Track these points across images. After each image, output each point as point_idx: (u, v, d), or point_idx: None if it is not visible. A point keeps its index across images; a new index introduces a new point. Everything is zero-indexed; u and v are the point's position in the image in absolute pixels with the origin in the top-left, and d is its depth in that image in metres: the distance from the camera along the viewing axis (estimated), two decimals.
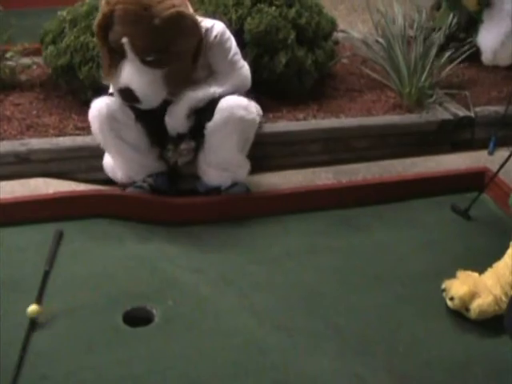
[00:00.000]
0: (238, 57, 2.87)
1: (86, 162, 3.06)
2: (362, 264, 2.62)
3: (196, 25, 2.68)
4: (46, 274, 2.45)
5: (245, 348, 2.18)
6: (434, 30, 3.68)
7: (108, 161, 2.95)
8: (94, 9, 3.23)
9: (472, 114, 3.54)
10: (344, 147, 3.36)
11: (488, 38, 4.01)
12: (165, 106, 2.77)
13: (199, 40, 2.71)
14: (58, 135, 3.15)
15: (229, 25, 3.05)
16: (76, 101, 3.42)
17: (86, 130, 3.10)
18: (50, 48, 3.41)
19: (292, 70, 3.48)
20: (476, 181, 3.09)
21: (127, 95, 2.67)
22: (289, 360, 2.15)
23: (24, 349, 2.12)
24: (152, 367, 2.10)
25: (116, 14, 2.58)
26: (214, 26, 2.78)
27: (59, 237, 2.65)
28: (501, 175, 2.97)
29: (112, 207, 2.80)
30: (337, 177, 3.15)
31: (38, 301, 2.30)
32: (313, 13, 3.60)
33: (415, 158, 3.36)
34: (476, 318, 2.29)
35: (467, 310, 2.30)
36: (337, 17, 3.97)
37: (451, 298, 2.32)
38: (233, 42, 2.85)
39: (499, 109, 3.54)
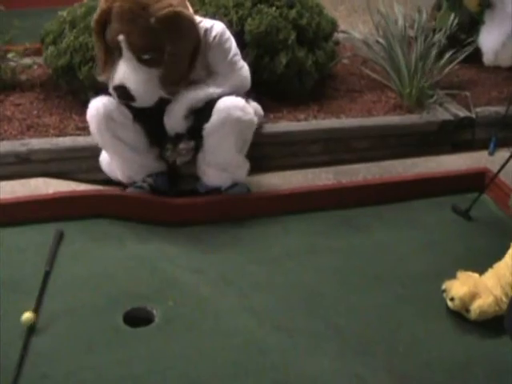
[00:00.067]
0: (238, 57, 2.86)
1: (86, 162, 3.06)
2: (362, 264, 2.62)
3: (193, 25, 2.67)
4: (47, 275, 2.45)
5: (245, 348, 2.18)
6: (434, 30, 3.69)
7: (104, 157, 2.95)
8: (93, 9, 3.23)
9: (472, 115, 3.53)
10: (344, 148, 3.36)
11: (489, 39, 4.01)
12: (163, 105, 2.77)
13: (197, 40, 2.70)
14: (59, 135, 3.15)
15: (229, 26, 3.04)
16: (76, 101, 3.42)
17: (86, 130, 3.09)
18: (51, 48, 3.42)
19: (292, 70, 3.47)
20: (476, 181, 3.08)
21: (122, 93, 2.67)
22: (289, 360, 2.14)
23: (25, 348, 2.12)
24: (152, 367, 2.10)
25: (114, 12, 2.60)
26: (214, 27, 2.77)
27: (59, 237, 2.65)
28: (501, 176, 2.97)
29: (112, 207, 2.80)
30: (337, 177, 3.15)
31: (38, 301, 2.31)
32: (313, 13, 3.60)
33: (416, 158, 3.36)
34: (476, 319, 2.29)
35: (467, 310, 2.30)
36: (337, 17, 3.98)
37: (451, 299, 2.32)
38: (232, 43, 2.83)
39: (500, 109, 3.53)
